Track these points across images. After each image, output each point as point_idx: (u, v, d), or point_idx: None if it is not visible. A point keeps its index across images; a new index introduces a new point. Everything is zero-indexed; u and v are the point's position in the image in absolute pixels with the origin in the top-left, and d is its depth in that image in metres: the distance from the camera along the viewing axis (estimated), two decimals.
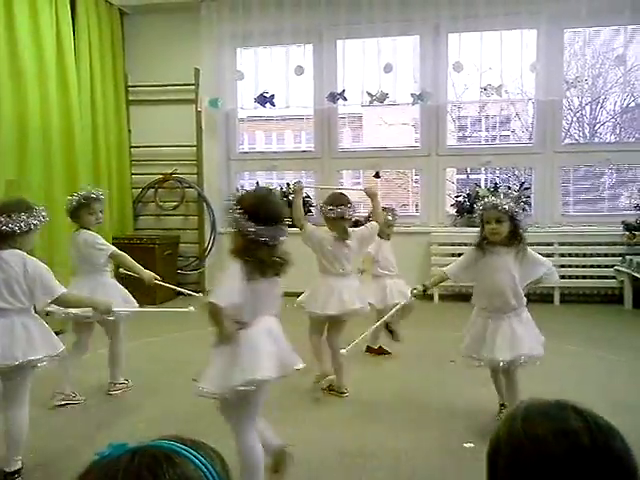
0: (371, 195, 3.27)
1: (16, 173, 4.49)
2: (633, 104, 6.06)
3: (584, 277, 5.29)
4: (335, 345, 3.13)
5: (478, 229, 2.73)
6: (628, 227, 5.13)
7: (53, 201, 4.81)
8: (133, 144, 6.09)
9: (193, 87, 5.85)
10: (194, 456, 0.78)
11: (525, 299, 2.65)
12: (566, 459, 0.81)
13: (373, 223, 3.24)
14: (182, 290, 3.63)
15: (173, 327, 4.26)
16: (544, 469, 0.82)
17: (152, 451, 0.77)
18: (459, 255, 4.90)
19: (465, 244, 4.96)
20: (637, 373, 3.45)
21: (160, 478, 0.73)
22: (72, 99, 4.99)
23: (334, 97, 5.66)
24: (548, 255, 5.20)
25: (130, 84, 6.04)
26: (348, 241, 3.12)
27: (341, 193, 3.28)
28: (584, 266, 5.28)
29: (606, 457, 0.82)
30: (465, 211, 5.60)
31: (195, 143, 5.99)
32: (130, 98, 6.08)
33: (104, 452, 0.78)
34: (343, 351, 2.88)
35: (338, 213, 3.06)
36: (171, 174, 6.02)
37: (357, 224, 3.32)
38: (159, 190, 6.11)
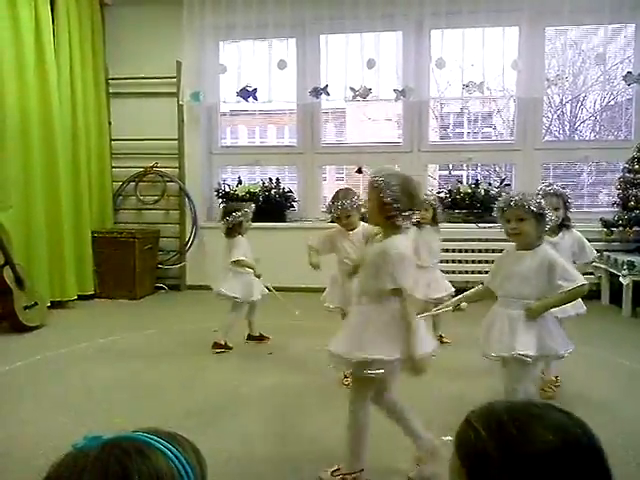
0: None
1: None
2: (613, 102, 6.13)
3: None
4: None
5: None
6: (606, 224, 5.20)
7: (32, 195, 4.76)
8: (114, 137, 6.02)
9: (175, 80, 5.80)
10: (168, 449, 0.78)
11: None
12: (563, 454, 0.79)
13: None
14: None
15: None
16: (543, 467, 0.79)
17: (123, 443, 0.76)
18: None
19: (446, 240, 5.01)
20: (613, 368, 3.50)
21: (129, 470, 0.73)
22: (51, 92, 4.91)
23: (317, 92, 5.65)
24: None
25: (111, 77, 5.96)
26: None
27: (347, 188, 3.37)
28: None
29: (599, 456, 0.82)
30: (447, 207, 5.62)
31: (177, 137, 5.94)
32: (111, 91, 6.00)
33: (78, 443, 0.78)
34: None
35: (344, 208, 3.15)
36: (152, 167, 5.97)
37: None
38: (140, 184, 6.06)
